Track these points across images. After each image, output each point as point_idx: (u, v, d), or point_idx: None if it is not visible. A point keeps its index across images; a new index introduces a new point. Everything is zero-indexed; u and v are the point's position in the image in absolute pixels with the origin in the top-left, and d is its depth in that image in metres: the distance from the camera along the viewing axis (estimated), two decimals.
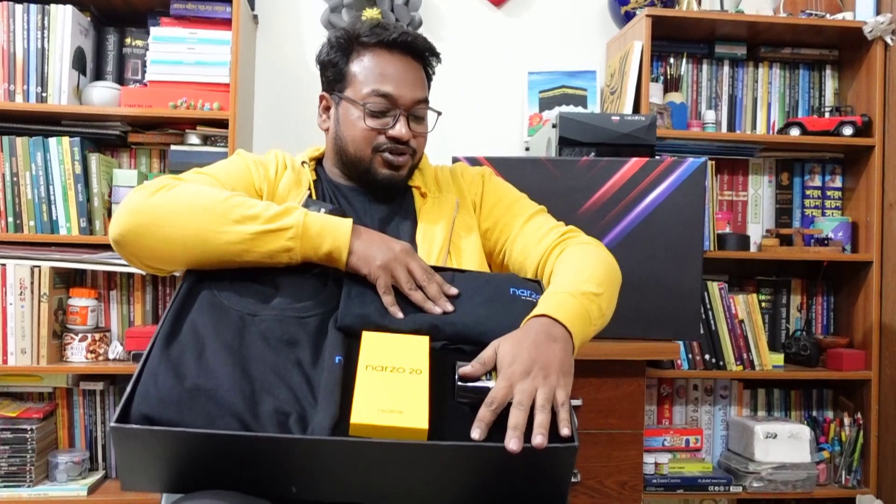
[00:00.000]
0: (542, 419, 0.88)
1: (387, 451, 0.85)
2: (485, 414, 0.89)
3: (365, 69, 1.28)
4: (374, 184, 1.29)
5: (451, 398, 0.92)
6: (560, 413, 0.90)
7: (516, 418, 0.87)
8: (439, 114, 1.36)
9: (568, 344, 1.00)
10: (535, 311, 1.03)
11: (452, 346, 1.00)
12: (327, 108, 1.35)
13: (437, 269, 1.11)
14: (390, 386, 0.89)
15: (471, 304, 1.05)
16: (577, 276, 1.12)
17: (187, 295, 1.00)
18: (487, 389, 0.91)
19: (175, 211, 1.04)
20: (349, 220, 1.08)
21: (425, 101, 1.31)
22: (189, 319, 0.96)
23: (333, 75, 1.32)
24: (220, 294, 1.00)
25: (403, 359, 0.93)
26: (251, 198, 1.12)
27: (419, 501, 0.90)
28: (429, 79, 1.35)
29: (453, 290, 1.07)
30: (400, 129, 1.26)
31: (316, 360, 0.94)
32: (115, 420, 0.84)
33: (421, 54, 1.31)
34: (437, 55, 1.35)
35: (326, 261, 1.06)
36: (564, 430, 0.88)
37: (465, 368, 0.94)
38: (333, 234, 1.05)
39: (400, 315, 1.02)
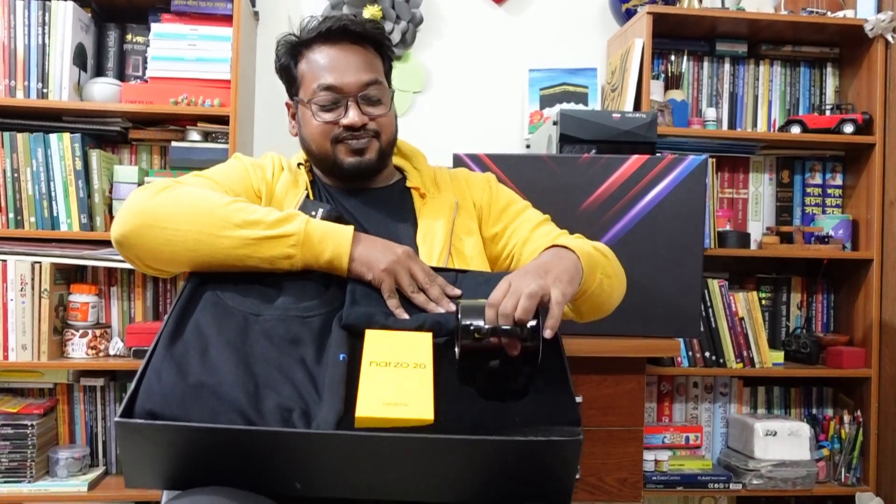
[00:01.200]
0: (525, 304, 0.90)
1: (391, 445, 0.85)
2: (491, 315, 0.92)
3: (309, 67, 1.28)
4: (345, 175, 1.28)
5: (456, 392, 0.92)
6: (553, 309, 0.92)
7: (496, 297, 0.93)
8: (394, 92, 1.34)
9: (577, 264, 1.04)
10: (547, 245, 1.08)
11: None
12: (294, 116, 1.35)
13: (438, 269, 1.11)
14: (395, 380, 0.89)
15: (474, 300, 1.05)
16: (584, 242, 1.18)
17: (191, 295, 1.00)
18: (488, 331, 0.92)
19: (177, 213, 1.04)
20: (350, 228, 1.08)
21: (375, 82, 1.27)
22: (193, 319, 0.97)
23: (287, 81, 1.33)
24: (223, 294, 1.01)
25: (407, 354, 0.94)
26: (252, 202, 1.12)
27: (424, 496, 0.91)
28: (384, 59, 1.33)
29: (456, 291, 1.07)
30: (352, 116, 1.25)
31: (320, 358, 0.95)
32: (119, 415, 0.84)
33: (360, 37, 1.29)
34: (378, 31, 1.31)
35: (328, 268, 1.06)
36: (547, 332, 0.91)
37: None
38: (335, 241, 1.05)
39: (405, 316, 1.02)
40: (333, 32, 1.27)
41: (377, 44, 1.32)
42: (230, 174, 1.25)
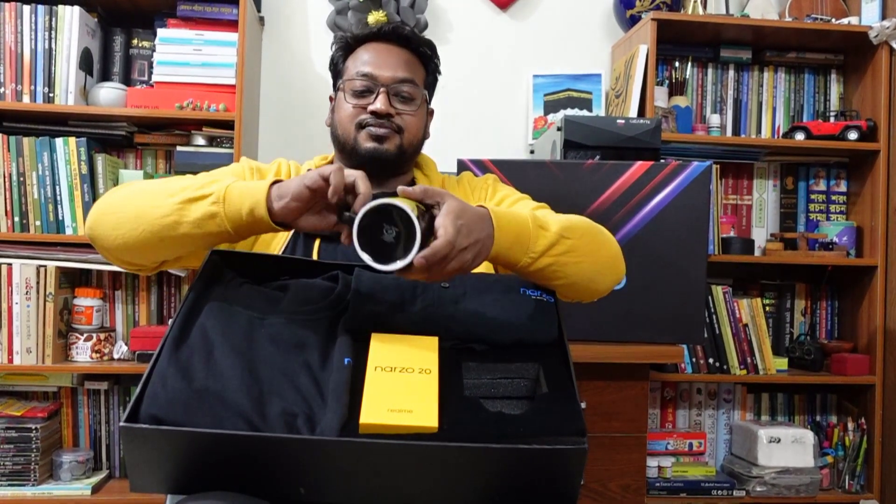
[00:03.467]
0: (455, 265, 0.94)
1: (395, 452, 0.85)
2: (421, 263, 0.90)
3: (354, 60, 1.35)
4: (362, 160, 1.30)
5: (461, 398, 0.92)
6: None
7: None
8: (433, 112, 1.41)
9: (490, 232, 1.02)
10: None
11: (462, 345, 1.00)
12: (333, 110, 1.39)
13: None
14: (400, 386, 0.89)
15: (480, 302, 1.05)
16: (550, 214, 1.16)
17: (196, 299, 1.00)
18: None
19: (126, 197, 1.08)
20: (268, 180, 1.05)
21: (409, 81, 1.33)
22: (198, 323, 0.96)
23: (335, 74, 1.40)
24: (228, 298, 1.00)
25: (413, 359, 0.93)
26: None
27: (427, 503, 0.91)
28: (427, 71, 1.39)
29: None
30: (378, 102, 1.30)
31: (325, 363, 0.94)
32: (123, 420, 0.85)
33: (407, 40, 1.36)
34: (424, 43, 1.39)
35: (252, 220, 1.03)
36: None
37: (407, 189, 0.96)
38: (252, 192, 1.02)
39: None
40: (384, 33, 1.35)
41: (423, 54, 1.38)
42: (222, 174, 1.27)
